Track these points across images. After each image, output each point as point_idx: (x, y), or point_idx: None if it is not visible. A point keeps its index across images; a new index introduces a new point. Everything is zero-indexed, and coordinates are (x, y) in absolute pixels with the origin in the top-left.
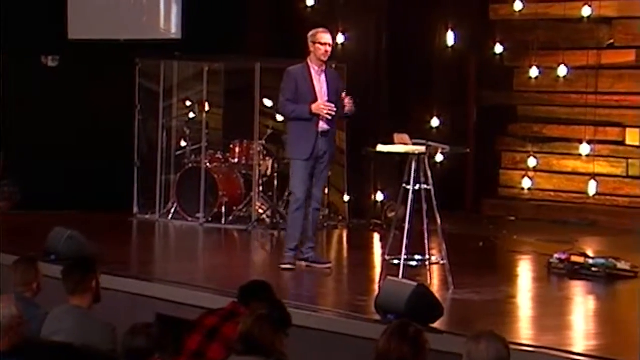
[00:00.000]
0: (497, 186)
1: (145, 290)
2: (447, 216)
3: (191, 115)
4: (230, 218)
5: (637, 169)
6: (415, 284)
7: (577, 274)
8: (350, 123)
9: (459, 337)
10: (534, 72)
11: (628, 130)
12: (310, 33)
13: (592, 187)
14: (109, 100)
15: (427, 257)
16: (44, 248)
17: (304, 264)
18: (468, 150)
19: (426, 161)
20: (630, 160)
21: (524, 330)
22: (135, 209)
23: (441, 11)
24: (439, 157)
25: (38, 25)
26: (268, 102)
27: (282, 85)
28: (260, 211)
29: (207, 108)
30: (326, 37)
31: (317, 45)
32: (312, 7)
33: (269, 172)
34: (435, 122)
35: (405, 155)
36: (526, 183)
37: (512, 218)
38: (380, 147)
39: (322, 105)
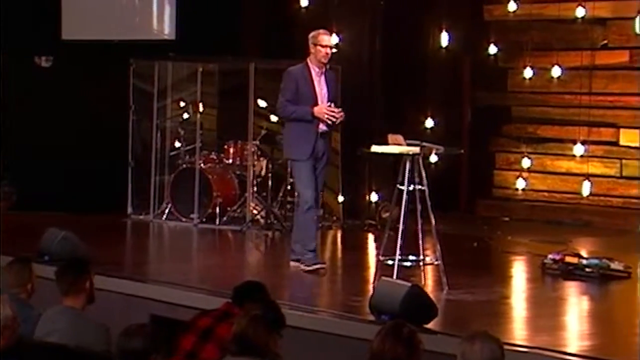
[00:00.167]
0: (491, 187)
1: (139, 291)
2: (441, 217)
3: (185, 115)
4: (225, 219)
5: (631, 169)
6: (409, 284)
7: (571, 275)
8: (345, 123)
9: (453, 338)
10: (528, 72)
11: (622, 130)
12: (312, 34)
13: (586, 188)
14: (103, 101)
15: (422, 257)
16: (38, 249)
17: (297, 264)
18: (462, 150)
19: (420, 162)
20: (624, 161)
21: (518, 330)
22: (130, 210)
23: (435, 12)
24: (433, 158)
25: (32, 26)
26: (262, 103)
27: (282, 86)
28: (255, 212)
29: (201, 109)
30: (327, 40)
31: (318, 48)
32: (306, 7)
33: (263, 173)
34: (429, 123)
35: (400, 155)
36: (520, 183)
37: (506, 218)
38: (375, 148)
39: (325, 109)
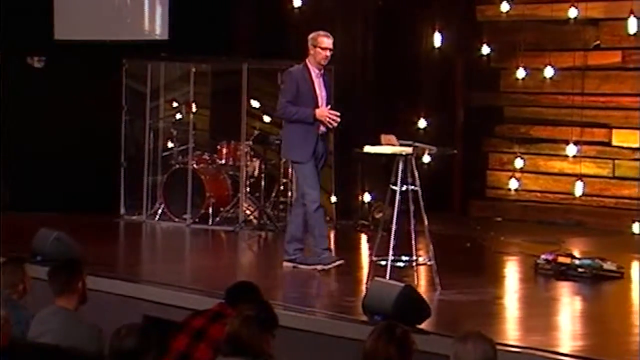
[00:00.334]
0: (484, 187)
1: (132, 292)
2: (434, 217)
3: (178, 116)
4: (218, 219)
5: (623, 169)
6: (402, 285)
7: (563, 275)
8: (338, 124)
9: (446, 338)
10: (520, 73)
11: (614, 131)
12: (311, 36)
13: (578, 188)
14: (96, 101)
15: (414, 258)
16: (30, 249)
17: (290, 265)
18: (455, 151)
19: (413, 162)
20: (616, 161)
21: (511, 330)
22: (122, 210)
23: (428, 12)
24: (426, 158)
25: (24, 27)
26: (255, 103)
27: (283, 87)
28: (248, 212)
29: (194, 109)
30: (327, 42)
31: (318, 49)
32: (299, 8)
33: (256, 173)
34: (422, 123)
35: (393, 156)
36: (513, 184)
37: (499, 219)
38: (368, 148)
39: (327, 113)
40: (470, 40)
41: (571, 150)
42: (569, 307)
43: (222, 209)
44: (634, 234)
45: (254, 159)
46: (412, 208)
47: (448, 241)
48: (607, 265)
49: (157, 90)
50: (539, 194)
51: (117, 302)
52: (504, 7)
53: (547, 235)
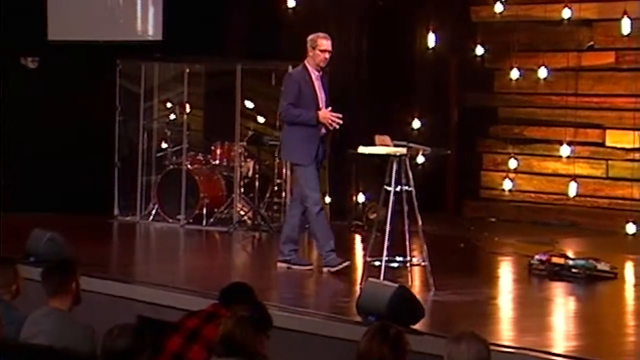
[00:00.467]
0: (478, 188)
1: (126, 292)
2: (428, 217)
3: (172, 116)
4: (212, 220)
5: (617, 170)
6: (396, 285)
7: (557, 275)
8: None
9: (439, 339)
10: (514, 73)
11: (608, 131)
12: (310, 37)
13: (572, 189)
14: (90, 102)
15: (408, 258)
16: (24, 250)
17: (285, 265)
18: (449, 151)
19: (407, 162)
20: (610, 162)
21: (505, 331)
22: (116, 211)
23: (422, 13)
24: (420, 159)
25: (17, 27)
26: (249, 104)
27: (284, 89)
28: (242, 213)
29: (188, 109)
30: (326, 44)
31: (317, 52)
32: (293, 8)
33: (250, 174)
34: (416, 124)
35: (387, 156)
36: (507, 184)
37: (493, 219)
38: (362, 149)
39: (330, 115)
40: (464, 41)
41: (565, 150)
42: (562, 307)
43: (216, 209)
44: (628, 234)
45: (248, 160)
46: (406, 208)
47: (442, 242)
48: (601, 266)
49: (151, 91)
50: (532, 195)
51: (111, 303)
52: (498, 7)
53: (541, 236)
